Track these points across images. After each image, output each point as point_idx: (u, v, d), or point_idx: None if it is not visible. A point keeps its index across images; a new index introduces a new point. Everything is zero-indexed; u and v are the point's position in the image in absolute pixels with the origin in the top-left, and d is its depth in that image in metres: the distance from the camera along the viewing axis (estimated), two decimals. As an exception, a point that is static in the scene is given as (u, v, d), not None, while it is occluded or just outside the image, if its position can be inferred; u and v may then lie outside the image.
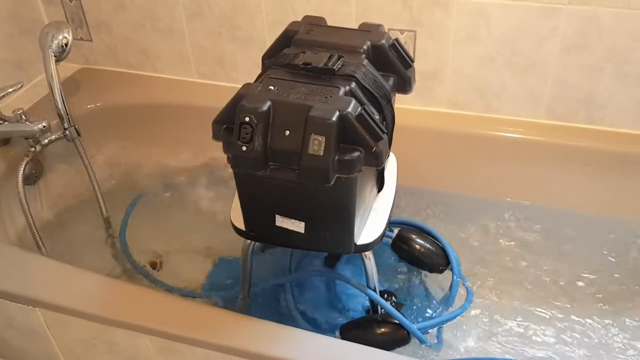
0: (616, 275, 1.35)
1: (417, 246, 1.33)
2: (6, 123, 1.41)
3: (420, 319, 1.28)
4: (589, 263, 1.38)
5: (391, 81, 1.07)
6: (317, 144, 0.89)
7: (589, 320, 1.27)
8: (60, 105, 1.42)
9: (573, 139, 1.44)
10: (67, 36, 1.41)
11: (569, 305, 1.31)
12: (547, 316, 1.29)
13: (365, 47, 1.05)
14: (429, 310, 1.30)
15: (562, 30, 1.34)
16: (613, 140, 1.42)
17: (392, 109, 1.05)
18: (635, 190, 1.43)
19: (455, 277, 1.32)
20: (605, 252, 1.40)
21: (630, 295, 1.32)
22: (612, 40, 1.33)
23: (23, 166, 1.38)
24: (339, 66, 0.99)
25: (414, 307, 1.31)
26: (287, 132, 0.92)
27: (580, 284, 1.35)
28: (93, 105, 1.65)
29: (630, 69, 1.35)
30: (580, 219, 1.46)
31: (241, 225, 1.10)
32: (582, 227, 1.45)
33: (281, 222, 1.04)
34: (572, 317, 1.28)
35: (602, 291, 1.33)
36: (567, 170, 1.46)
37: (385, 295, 1.30)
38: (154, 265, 1.44)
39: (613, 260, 1.38)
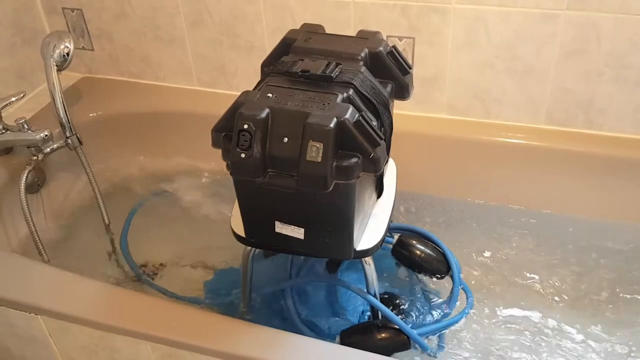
0: (619, 282, 1.35)
1: (417, 252, 1.33)
2: (8, 132, 1.42)
3: (420, 324, 1.28)
4: (590, 268, 1.38)
5: (389, 88, 1.07)
6: (315, 151, 0.90)
7: (591, 326, 1.27)
8: (62, 114, 1.43)
9: (573, 144, 1.44)
10: (68, 46, 1.42)
11: (571, 310, 1.31)
12: (549, 321, 1.29)
13: (363, 54, 1.05)
14: (429, 316, 1.30)
15: (561, 36, 1.35)
16: (613, 144, 1.43)
17: (390, 116, 1.06)
18: (635, 194, 1.43)
19: (455, 283, 1.32)
20: (607, 258, 1.40)
21: (630, 302, 1.32)
22: (610, 45, 1.33)
23: (25, 175, 1.39)
24: (337, 73, 1.00)
25: (415, 313, 1.31)
26: (286, 139, 0.93)
27: (581, 290, 1.35)
28: (95, 114, 1.66)
29: (629, 74, 1.35)
30: (581, 224, 1.46)
31: (241, 232, 1.10)
32: (582, 232, 1.45)
33: (281, 228, 1.04)
34: (575, 322, 1.28)
35: (604, 297, 1.33)
36: (567, 175, 1.46)
37: (389, 299, 1.31)
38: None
39: (616, 265, 1.38)
